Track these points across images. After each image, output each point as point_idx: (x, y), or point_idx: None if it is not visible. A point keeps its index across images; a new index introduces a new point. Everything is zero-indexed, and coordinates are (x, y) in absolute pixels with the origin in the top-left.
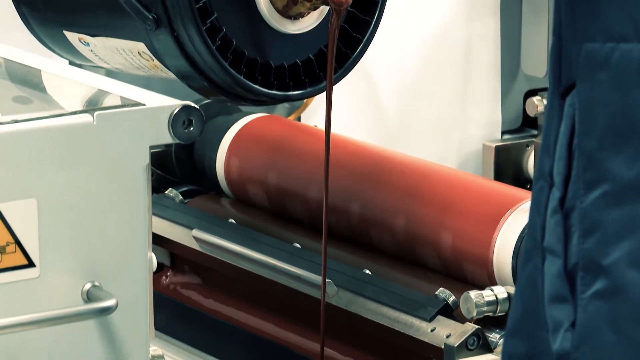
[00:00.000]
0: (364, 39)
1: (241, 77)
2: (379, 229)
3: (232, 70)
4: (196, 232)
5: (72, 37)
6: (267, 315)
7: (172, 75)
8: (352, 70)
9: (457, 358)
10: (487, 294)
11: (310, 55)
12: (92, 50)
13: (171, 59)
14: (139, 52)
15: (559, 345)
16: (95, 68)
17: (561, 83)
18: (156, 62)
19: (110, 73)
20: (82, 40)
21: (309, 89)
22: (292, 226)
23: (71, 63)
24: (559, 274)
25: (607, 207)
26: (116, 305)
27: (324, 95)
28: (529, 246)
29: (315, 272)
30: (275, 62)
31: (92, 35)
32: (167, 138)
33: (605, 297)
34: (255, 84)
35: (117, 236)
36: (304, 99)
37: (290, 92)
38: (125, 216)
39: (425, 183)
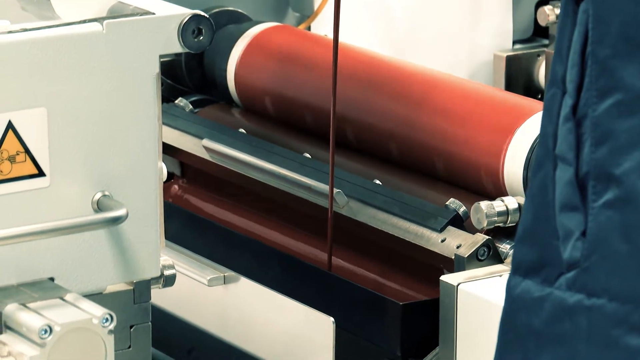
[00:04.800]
0: None
1: None
2: (389, 140)
3: None
4: (206, 142)
5: None
6: (277, 225)
7: None
8: None
9: (468, 268)
10: (498, 205)
11: None
12: None
13: None
14: None
15: (569, 254)
16: None
17: None
18: None
19: None
20: None
21: None
22: (302, 136)
23: None
24: (570, 182)
25: (620, 116)
26: (127, 215)
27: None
28: (540, 153)
29: (326, 182)
30: None
31: None
32: (176, 47)
33: (616, 206)
34: None
35: (127, 146)
36: None
37: None
38: (136, 125)
39: (435, 93)
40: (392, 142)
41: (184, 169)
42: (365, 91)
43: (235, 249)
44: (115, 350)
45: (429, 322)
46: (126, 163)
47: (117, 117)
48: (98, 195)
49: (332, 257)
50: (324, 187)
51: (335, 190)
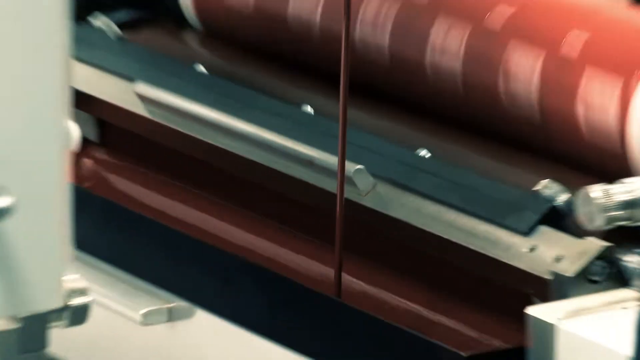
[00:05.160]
0: None
1: None
2: (444, 86)
3: None
4: (141, 87)
5: None
6: (258, 223)
7: None
8: None
9: (573, 295)
10: (620, 190)
11: None
12: None
13: None
14: None
15: None
16: None
17: None
18: None
19: None
20: None
21: None
22: (300, 78)
23: None
24: None
25: None
26: (12, 207)
27: None
28: None
29: (336, 152)
30: None
31: None
32: None
33: None
34: None
35: (16, 96)
36: None
37: None
38: (28, 62)
39: (520, 13)
40: (448, 90)
41: (105, 132)
42: (400, 8)
43: (188, 261)
44: None
45: None
46: (14, 125)
47: (1, 50)
48: None
49: (346, 275)
50: (333, 161)
51: (353, 166)
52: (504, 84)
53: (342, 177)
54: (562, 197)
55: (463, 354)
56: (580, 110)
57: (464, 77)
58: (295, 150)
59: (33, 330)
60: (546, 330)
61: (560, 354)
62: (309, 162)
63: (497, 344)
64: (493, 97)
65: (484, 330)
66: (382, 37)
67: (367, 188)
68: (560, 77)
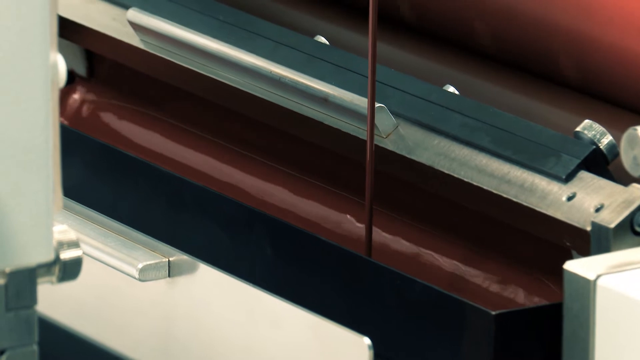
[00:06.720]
0: None
1: None
2: (475, 14)
3: None
4: (134, 14)
5: None
6: (258, 165)
7: None
8: None
9: (616, 249)
10: None
11: None
12: None
13: None
14: None
15: None
16: None
17: None
18: None
19: None
20: None
21: None
22: (313, 5)
23: None
24: None
25: None
26: None
27: None
28: None
29: (359, 90)
30: None
31: None
32: None
33: None
34: None
35: None
36: None
37: None
38: None
39: None
40: (478, 19)
41: (95, 65)
42: None
43: (190, 210)
44: None
45: (545, 341)
46: None
47: None
48: None
49: (375, 229)
50: (356, 100)
51: (376, 104)
52: (541, 12)
53: (372, 121)
54: (605, 140)
55: (491, 312)
56: (626, 41)
57: (496, 5)
58: (307, 86)
59: (20, 286)
60: (584, 286)
61: (599, 313)
62: (322, 100)
63: (530, 301)
64: (528, 27)
65: (516, 287)
66: None
67: (389, 129)
68: (606, 5)
